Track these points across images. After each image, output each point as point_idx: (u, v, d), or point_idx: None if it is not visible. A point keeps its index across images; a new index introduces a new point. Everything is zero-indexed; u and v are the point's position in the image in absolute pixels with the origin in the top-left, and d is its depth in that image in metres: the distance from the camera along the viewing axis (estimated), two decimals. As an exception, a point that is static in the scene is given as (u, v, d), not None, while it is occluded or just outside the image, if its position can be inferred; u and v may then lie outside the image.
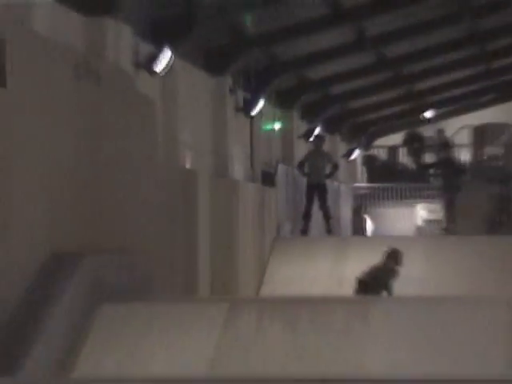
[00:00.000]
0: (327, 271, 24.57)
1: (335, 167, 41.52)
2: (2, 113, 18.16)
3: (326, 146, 43.38)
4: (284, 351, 18.05)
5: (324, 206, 39.53)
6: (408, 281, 28.68)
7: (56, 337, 18.58)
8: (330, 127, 48.01)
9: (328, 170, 40.49)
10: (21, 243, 18.72)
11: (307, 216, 39.54)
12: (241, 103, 36.98)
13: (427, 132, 52.11)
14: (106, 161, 22.77)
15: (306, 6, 32.83)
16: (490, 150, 46.98)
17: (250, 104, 37.05)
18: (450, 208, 40.93)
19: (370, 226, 48.39)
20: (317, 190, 39.82)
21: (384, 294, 24.59)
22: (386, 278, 23.93)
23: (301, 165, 40.76)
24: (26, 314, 18.47)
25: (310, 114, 45.56)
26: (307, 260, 29.80)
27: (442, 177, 43.04)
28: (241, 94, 36.87)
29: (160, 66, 28.23)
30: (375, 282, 24.02)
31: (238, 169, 35.50)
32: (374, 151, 55.24)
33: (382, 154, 54.56)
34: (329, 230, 39.82)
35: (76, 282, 19.30)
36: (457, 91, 53.76)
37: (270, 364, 17.58)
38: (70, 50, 22.19)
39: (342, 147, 50.72)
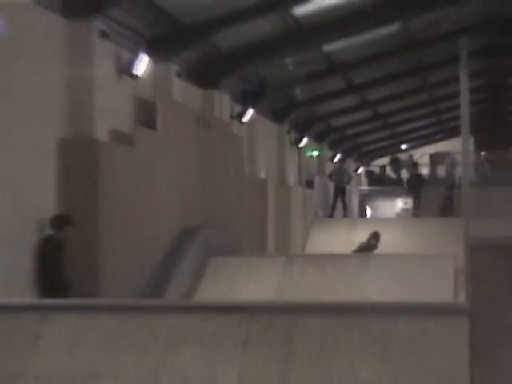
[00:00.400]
0: (343, 238, 24.89)
1: (350, 177, 42.48)
2: (155, 146, 20.78)
3: (344, 165, 45.11)
4: (317, 285, 19.71)
5: (343, 201, 40.31)
6: (392, 243, 28.81)
7: (186, 275, 21.09)
8: (346, 153, 48.03)
9: (346, 179, 42.04)
10: (165, 222, 21.32)
11: (333, 206, 40.28)
12: (293, 140, 37.50)
13: (403, 156, 53.13)
14: (214, 174, 25.00)
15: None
16: (439, 168, 48.05)
17: (299, 140, 38.04)
18: (416, 202, 42.38)
19: (369, 212, 50.01)
20: (339, 191, 41.47)
21: None
22: (370, 251, 24.64)
23: (330, 176, 41.91)
24: (167, 264, 21.18)
25: (334, 146, 45.18)
26: (332, 231, 29.52)
27: (411, 183, 44.34)
28: (293, 134, 37.42)
29: (246, 118, 29.18)
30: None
31: (292, 178, 36.37)
32: (371, 168, 56.49)
33: (376, 170, 55.71)
34: (345, 215, 40.94)
35: (196, 244, 21.94)
36: (419, 133, 54.54)
37: (309, 293, 18.82)
38: (193, 109, 24.41)
39: (353, 165, 51.36)
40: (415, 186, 43.42)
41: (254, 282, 20.52)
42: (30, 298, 15.14)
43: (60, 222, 16.32)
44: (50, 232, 16.33)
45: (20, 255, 15.93)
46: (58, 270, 16.02)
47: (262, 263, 22.44)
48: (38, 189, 16.73)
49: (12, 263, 15.58)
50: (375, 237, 25.93)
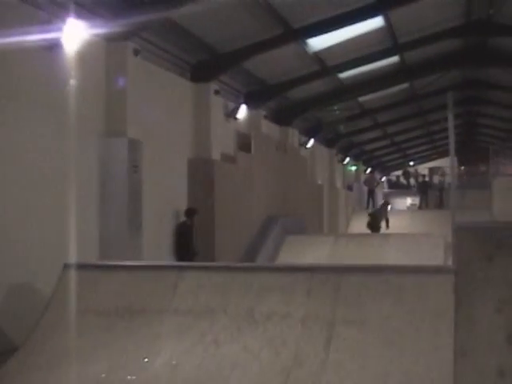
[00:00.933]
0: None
1: (378, 183, 42.43)
2: (250, 163, 20.92)
3: (373, 175, 44.60)
4: (355, 254, 19.55)
5: (373, 200, 40.42)
6: (403, 226, 28.85)
7: (270, 248, 21.10)
8: (374, 167, 47.37)
9: (374, 184, 41.53)
10: (256, 212, 21.33)
11: (367, 204, 40.28)
12: (339, 159, 37.19)
13: (411, 170, 52.58)
14: (288, 182, 24.94)
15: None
16: (435, 178, 47.32)
17: (343, 159, 37.88)
18: (423, 200, 41.79)
19: (389, 206, 50.01)
20: (370, 193, 40.79)
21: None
22: (384, 212, 25.38)
23: (364, 182, 41.96)
24: (258, 240, 21.11)
25: (366, 163, 45.01)
26: (365, 219, 29.39)
27: (420, 187, 43.87)
28: (339, 155, 37.06)
29: (308, 145, 29.39)
30: (379, 214, 25.72)
31: (338, 184, 36.04)
32: (390, 177, 55.96)
33: (393, 178, 55.18)
34: (373, 208, 40.82)
35: (276, 227, 21.91)
36: (421, 154, 53.29)
37: (350, 259, 18.62)
38: (274, 139, 24.43)
39: (379, 175, 50.56)
40: (423, 189, 43.05)
41: (314, 251, 20.21)
42: (170, 261, 15.40)
43: (189, 212, 16.58)
44: (184, 219, 16.54)
45: (165, 233, 16.21)
46: (189, 243, 16.25)
47: (319, 240, 22.21)
48: (177, 191, 17.05)
49: (160, 238, 15.86)
50: (386, 203, 28.58)
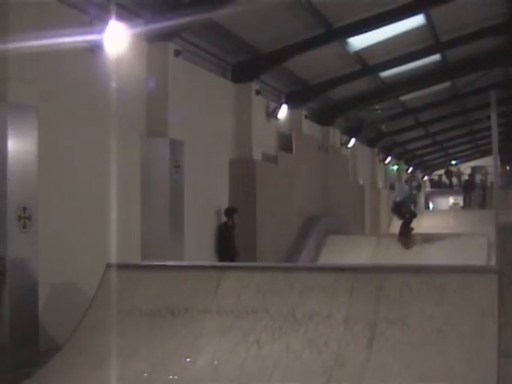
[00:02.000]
0: (414, 223, 24.31)
1: (420, 183, 42.47)
2: (291, 163, 20.85)
3: (415, 174, 44.34)
4: (397, 254, 19.51)
5: None
6: (445, 226, 28.85)
7: (311, 248, 21.05)
8: (416, 167, 47.36)
9: (416, 184, 41.20)
10: (298, 212, 21.26)
11: None
12: (381, 158, 36.77)
13: (453, 169, 52.04)
14: (329, 181, 24.80)
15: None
16: (477, 177, 46.85)
17: (384, 159, 37.43)
18: (467, 200, 41.36)
19: (431, 205, 48.95)
20: None
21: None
22: (410, 200, 20.48)
23: (405, 182, 41.70)
24: (300, 240, 21.01)
25: (408, 162, 44.26)
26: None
27: (465, 187, 43.38)
28: (381, 155, 36.74)
29: (350, 144, 29.01)
30: (404, 201, 19.90)
31: (380, 184, 35.75)
32: (432, 176, 55.45)
33: (435, 177, 54.68)
34: (415, 208, 40.60)
35: (318, 227, 21.79)
36: (464, 153, 52.80)
37: (392, 259, 18.68)
38: (315, 139, 24.24)
39: (421, 174, 50.23)
40: (468, 189, 42.62)
41: (355, 251, 20.14)
42: (212, 261, 15.42)
43: (229, 211, 16.59)
44: (224, 219, 16.56)
45: (207, 233, 16.25)
46: (230, 243, 16.26)
47: (360, 240, 22.13)
48: (218, 191, 17.16)
49: (202, 238, 15.89)
50: (417, 187, 24.07)
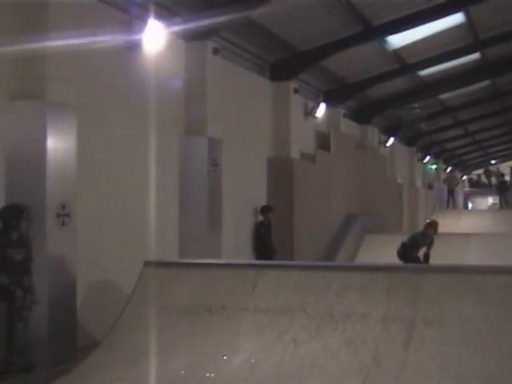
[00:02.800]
0: (453, 222, 23.88)
1: (458, 182, 41.91)
2: (329, 162, 20.86)
3: (453, 174, 44.01)
4: (436, 255, 17.68)
5: (453, 198, 39.70)
6: (484, 226, 27.76)
7: (349, 247, 21.06)
8: (454, 166, 47.00)
9: (455, 183, 40.93)
10: (335, 211, 21.27)
11: (448, 202, 39.81)
12: (419, 157, 36.69)
13: (493, 168, 51.59)
14: (367, 180, 24.70)
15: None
16: None
17: (423, 158, 37.39)
18: (502, 199, 40.74)
19: (470, 205, 48.43)
20: (450, 192, 40.17)
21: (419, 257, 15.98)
22: (423, 242, 15.76)
23: (444, 181, 41.28)
24: (337, 238, 21.10)
25: (447, 162, 43.94)
26: (446, 218, 27.73)
27: (499, 187, 42.80)
28: (419, 154, 36.65)
29: (388, 143, 29.03)
30: (414, 244, 15.54)
31: (418, 183, 35.63)
32: (471, 176, 55.08)
33: (474, 177, 54.29)
34: (454, 207, 40.22)
35: (356, 225, 21.76)
36: (503, 152, 52.24)
37: (430, 258, 19.17)
38: (353, 138, 24.24)
39: (459, 174, 49.90)
40: (503, 189, 42.11)
41: (393, 250, 19.46)
42: (249, 259, 15.44)
43: (264, 210, 16.60)
44: (261, 217, 16.57)
45: (244, 231, 16.28)
46: (267, 242, 16.24)
47: (399, 239, 21.50)
48: (256, 189, 17.15)
49: (239, 236, 15.94)
50: (433, 226, 16.52)
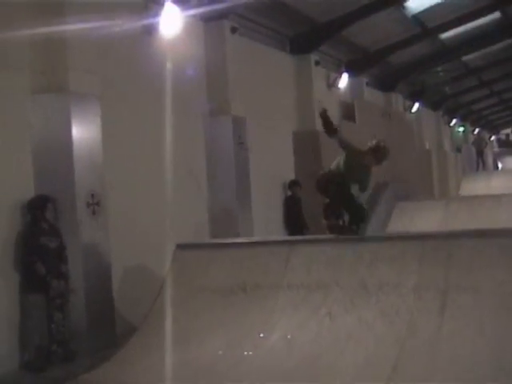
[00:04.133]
0: (483, 184, 23.44)
1: (486, 143, 41.35)
2: (354, 133, 20.38)
3: (481, 135, 43.61)
4: (468, 218, 18.53)
5: (482, 159, 39.49)
6: None
7: (380, 216, 20.48)
8: (482, 127, 46.66)
9: (483, 144, 40.47)
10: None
11: (477, 164, 39.60)
12: (446, 121, 36.52)
13: None
14: (395, 148, 24.79)
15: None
16: None
17: (449, 121, 37.18)
18: None
19: (500, 165, 47.70)
20: (479, 153, 39.81)
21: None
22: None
23: (472, 143, 41.07)
24: (370, 206, 21.22)
25: (474, 123, 43.60)
26: (476, 181, 27.83)
27: None
28: (446, 117, 36.48)
29: (413, 109, 29.09)
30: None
31: (447, 147, 35.18)
32: (500, 135, 54.40)
33: (503, 137, 53.60)
34: (484, 169, 39.86)
35: (387, 193, 21.44)
36: None
37: (461, 223, 17.50)
38: (378, 106, 24.25)
39: (487, 135, 49.27)
40: None
41: (425, 217, 19.74)
42: (281, 235, 15.43)
43: (292, 184, 16.62)
44: (289, 192, 16.59)
45: (274, 207, 16.34)
46: (298, 216, 16.24)
47: (430, 205, 21.64)
48: (284, 164, 17.23)
49: (269, 213, 15.99)
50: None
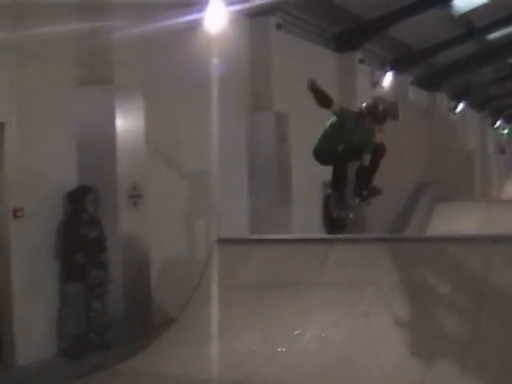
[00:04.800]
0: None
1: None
2: (398, 131, 19.97)
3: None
4: (507, 221, 17.76)
5: None
6: None
7: (420, 216, 20.69)
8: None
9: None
10: (406, 181, 21.06)
11: None
12: (490, 122, 36.14)
13: None
14: (437, 148, 24.15)
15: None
16: None
17: (494, 123, 36.74)
18: None
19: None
20: None
21: None
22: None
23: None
24: (406, 210, 20.97)
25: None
26: None
27: None
28: (490, 118, 35.93)
29: (457, 110, 28.99)
30: None
31: (491, 148, 34.93)
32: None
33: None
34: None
35: (428, 194, 21.53)
36: None
37: (503, 225, 16.74)
38: (421, 106, 24.08)
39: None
40: None
41: (466, 218, 19.32)
42: (320, 233, 15.45)
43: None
44: (329, 190, 16.55)
45: (314, 205, 16.34)
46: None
47: (470, 207, 21.44)
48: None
49: (309, 210, 16.03)
50: None
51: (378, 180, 16.98)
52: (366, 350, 7.52)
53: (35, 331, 9.08)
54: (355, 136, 9.01)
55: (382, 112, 8.96)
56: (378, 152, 9.35)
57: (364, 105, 9.00)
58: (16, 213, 8.77)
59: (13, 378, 8.37)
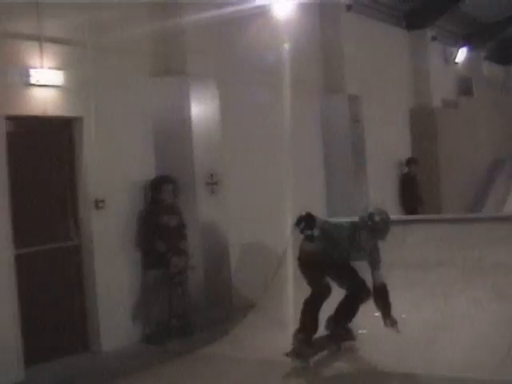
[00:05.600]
0: None
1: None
2: (472, 107, 20.12)
3: None
4: None
5: None
6: None
7: (498, 193, 19.81)
8: None
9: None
10: (482, 157, 20.29)
11: None
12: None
13: None
14: (510, 119, 24.64)
15: None
16: None
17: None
18: None
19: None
20: None
21: None
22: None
23: None
24: (484, 187, 20.05)
25: None
26: None
27: None
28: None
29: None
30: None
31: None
32: None
33: None
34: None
35: (505, 170, 20.65)
36: None
37: None
38: (497, 80, 23.58)
39: None
40: None
41: None
42: (397, 213, 15.13)
43: (409, 161, 16.48)
44: (406, 170, 16.46)
45: (390, 185, 16.28)
46: (414, 194, 16.11)
47: None
48: (400, 141, 17.04)
49: (385, 191, 15.76)
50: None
51: (454, 159, 16.61)
52: (446, 330, 7.53)
53: (119, 318, 9.22)
54: (349, 255, 7.86)
55: (379, 223, 7.63)
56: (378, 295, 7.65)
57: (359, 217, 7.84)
58: (97, 204, 8.91)
59: (99, 364, 8.53)
